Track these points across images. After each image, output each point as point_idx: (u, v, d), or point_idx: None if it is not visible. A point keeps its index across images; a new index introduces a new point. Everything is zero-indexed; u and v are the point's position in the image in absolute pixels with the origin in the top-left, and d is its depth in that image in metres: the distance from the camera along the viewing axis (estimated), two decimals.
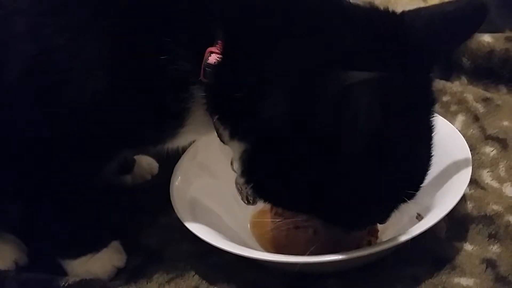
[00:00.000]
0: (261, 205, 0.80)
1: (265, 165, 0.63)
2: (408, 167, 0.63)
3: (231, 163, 0.69)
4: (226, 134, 0.66)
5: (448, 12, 0.65)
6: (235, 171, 0.69)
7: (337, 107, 0.57)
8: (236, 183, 0.73)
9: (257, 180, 0.65)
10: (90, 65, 0.64)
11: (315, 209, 0.65)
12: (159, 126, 0.68)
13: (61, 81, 0.64)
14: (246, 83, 0.62)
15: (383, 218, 0.68)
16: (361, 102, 0.55)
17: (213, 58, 0.63)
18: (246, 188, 0.67)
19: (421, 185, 0.65)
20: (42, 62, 0.65)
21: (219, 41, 0.63)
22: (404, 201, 0.65)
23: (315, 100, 0.57)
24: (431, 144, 0.65)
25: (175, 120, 0.67)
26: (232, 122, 0.65)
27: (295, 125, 0.59)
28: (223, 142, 0.68)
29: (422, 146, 0.65)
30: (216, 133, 0.68)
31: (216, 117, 0.66)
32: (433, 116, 0.66)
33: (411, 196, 0.65)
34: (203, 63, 0.63)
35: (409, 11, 0.65)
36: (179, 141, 0.73)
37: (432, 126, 0.65)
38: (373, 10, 0.65)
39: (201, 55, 0.64)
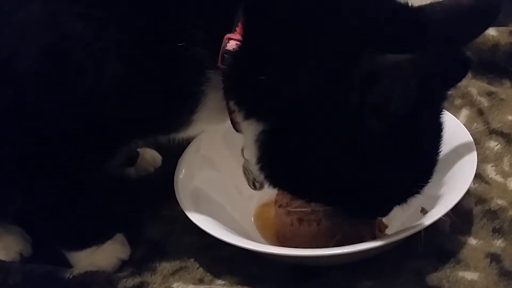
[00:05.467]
0: (265, 198, 0.81)
1: (285, 146, 0.63)
2: (423, 158, 0.64)
3: (242, 150, 0.69)
4: (240, 116, 0.65)
5: (462, 7, 0.65)
6: (245, 158, 0.69)
7: (368, 89, 0.57)
8: (244, 168, 0.72)
9: (274, 164, 0.65)
10: (107, 52, 0.64)
11: (328, 196, 0.65)
12: (173, 111, 0.68)
13: (77, 68, 0.64)
14: (271, 64, 0.61)
15: (388, 210, 0.68)
16: (395, 84, 0.55)
17: (231, 45, 0.63)
18: (258, 173, 0.66)
19: (430, 178, 0.66)
20: (58, 49, 0.64)
21: (238, 27, 0.63)
22: (414, 194, 0.65)
23: (346, 80, 0.57)
24: (441, 137, 0.66)
25: (190, 105, 0.67)
26: (249, 103, 0.64)
27: (322, 104, 0.59)
28: (236, 129, 0.68)
29: (436, 139, 0.65)
30: (229, 120, 0.68)
31: (233, 101, 0.65)
32: (443, 112, 0.66)
33: (421, 189, 0.65)
34: (221, 49, 0.63)
35: (425, 6, 0.65)
36: (191, 130, 0.72)
37: (442, 121, 0.66)
38: (396, 2, 0.64)
39: (219, 41, 0.63)
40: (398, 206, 0.67)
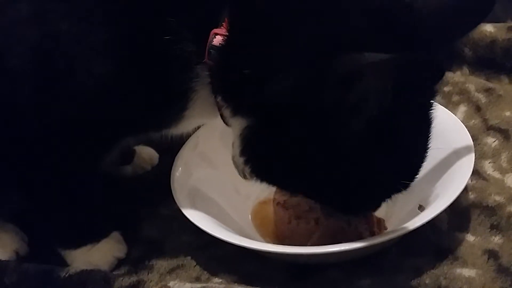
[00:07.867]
0: (262, 196, 0.80)
1: (266, 141, 0.63)
2: (407, 156, 0.63)
3: (233, 145, 0.69)
4: (228, 112, 0.66)
5: (456, 1, 0.64)
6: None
7: (347, 87, 0.57)
8: (233, 158, 0.72)
9: (256, 157, 0.65)
10: (95, 49, 0.64)
11: (310, 190, 0.65)
12: (164, 108, 0.68)
13: (66, 65, 0.65)
14: (254, 61, 0.62)
15: (376, 205, 0.68)
16: (373, 83, 0.55)
17: (218, 40, 0.63)
18: (243, 165, 0.67)
19: (417, 176, 0.65)
20: (47, 47, 0.65)
21: (224, 23, 0.63)
22: (399, 191, 0.65)
23: (324, 79, 0.58)
24: (429, 136, 0.65)
25: (179, 101, 0.67)
26: (235, 99, 0.65)
27: (302, 102, 0.59)
28: (226, 123, 0.68)
29: (422, 137, 0.65)
30: (219, 116, 0.68)
31: (220, 96, 0.65)
32: (433, 108, 0.65)
33: (406, 186, 0.65)
34: (207, 44, 0.63)
35: None
36: (183, 126, 0.72)
37: (431, 118, 0.65)
38: None
39: (205, 36, 0.64)
40: (383, 202, 0.67)
